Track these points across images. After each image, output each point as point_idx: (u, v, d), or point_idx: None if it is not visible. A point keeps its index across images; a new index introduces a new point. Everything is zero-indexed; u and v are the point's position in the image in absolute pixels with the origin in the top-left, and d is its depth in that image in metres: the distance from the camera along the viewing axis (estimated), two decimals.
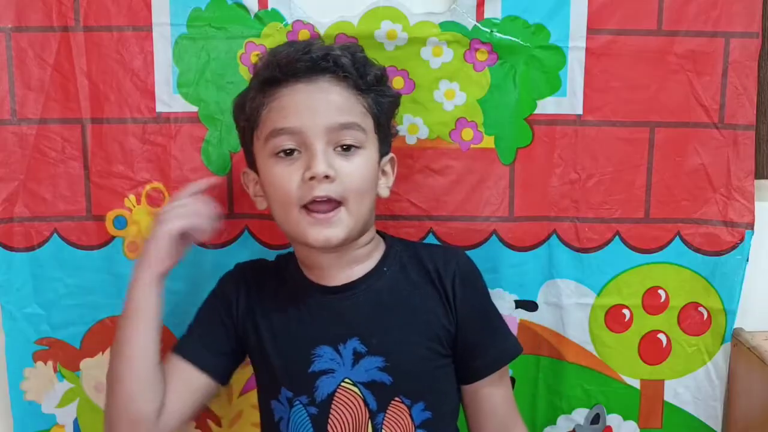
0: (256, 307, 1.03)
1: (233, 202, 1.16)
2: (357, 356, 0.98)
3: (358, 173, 0.96)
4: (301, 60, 0.95)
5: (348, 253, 1.00)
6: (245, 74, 1.13)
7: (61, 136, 1.14)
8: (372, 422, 0.98)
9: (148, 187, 1.16)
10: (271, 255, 1.15)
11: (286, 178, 0.95)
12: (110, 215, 1.16)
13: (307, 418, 0.99)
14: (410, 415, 0.99)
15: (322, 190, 0.94)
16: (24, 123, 1.14)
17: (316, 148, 0.94)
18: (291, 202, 0.95)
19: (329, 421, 0.98)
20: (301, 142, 0.95)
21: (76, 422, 1.21)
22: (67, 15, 1.12)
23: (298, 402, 0.99)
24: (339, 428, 0.98)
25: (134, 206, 1.16)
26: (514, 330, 1.18)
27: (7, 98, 1.13)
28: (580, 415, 1.22)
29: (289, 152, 0.95)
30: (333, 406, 0.98)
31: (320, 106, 0.95)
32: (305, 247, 0.99)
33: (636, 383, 1.21)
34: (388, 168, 1.04)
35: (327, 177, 0.93)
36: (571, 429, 1.23)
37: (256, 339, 1.02)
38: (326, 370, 0.99)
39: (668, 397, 1.22)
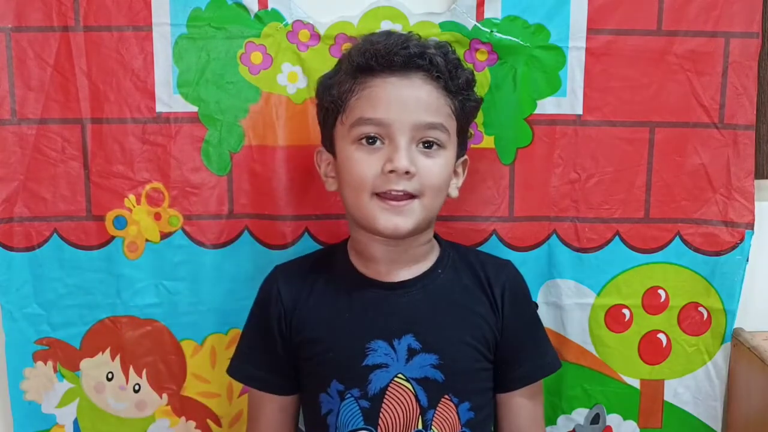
0: (303, 303, 1.04)
1: (233, 202, 1.16)
2: (411, 352, 0.99)
3: (437, 172, 0.97)
4: (398, 54, 0.96)
5: (408, 249, 1.01)
6: (245, 74, 1.13)
7: (61, 136, 1.14)
8: (422, 418, 0.99)
9: (148, 187, 1.16)
10: (271, 255, 1.16)
11: (365, 166, 0.96)
12: (110, 215, 1.16)
13: (359, 411, 0.99)
14: (457, 414, 1.00)
15: (400, 185, 0.95)
16: (24, 123, 1.14)
17: (400, 143, 0.95)
18: (365, 189, 0.96)
19: (381, 415, 0.99)
20: (386, 134, 0.96)
21: (76, 422, 1.21)
22: (67, 15, 1.12)
23: (349, 395, 0.99)
24: (390, 422, 0.99)
25: (134, 206, 1.16)
26: None
27: (7, 98, 1.13)
28: (580, 415, 1.22)
29: (371, 141, 0.96)
30: (385, 400, 0.99)
31: (410, 102, 0.96)
32: (368, 237, 1.00)
33: (636, 383, 1.21)
34: (460, 169, 1.05)
35: (407, 173, 0.94)
36: (571, 429, 1.23)
37: (306, 334, 1.03)
38: (380, 365, 0.99)
39: (668, 397, 1.22)
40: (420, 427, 0.99)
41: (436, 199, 0.99)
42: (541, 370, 1.08)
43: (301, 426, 1.11)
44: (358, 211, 0.98)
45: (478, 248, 1.16)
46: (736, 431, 1.21)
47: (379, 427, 0.99)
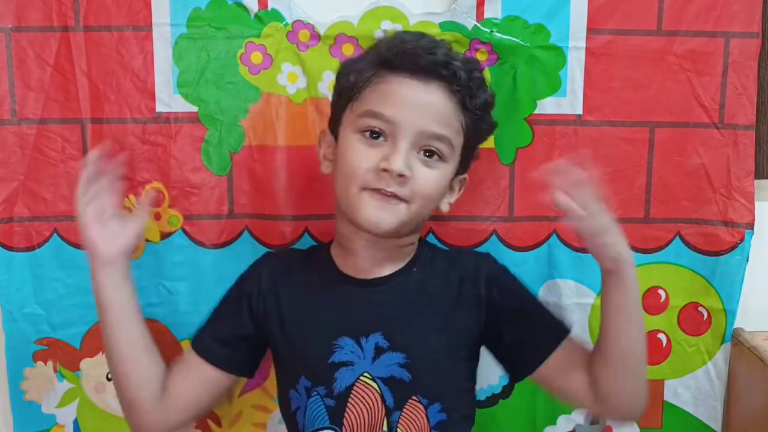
0: (281, 291, 1.03)
1: (233, 202, 1.16)
2: (378, 351, 0.98)
3: (432, 183, 0.96)
4: (423, 57, 0.95)
5: (387, 248, 1.00)
6: (245, 74, 1.14)
7: (61, 136, 1.14)
8: (388, 419, 0.98)
9: (148, 187, 1.16)
10: None
11: (362, 158, 0.95)
12: None
13: (324, 409, 0.98)
14: (426, 416, 0.98)
15: (391, 187, 0.94)
16: (24, 123, 1.14)
17: (401, 144, 0.94)
18: (356, 180, 0.95)
19: (345, 414, 0.98)
20: (391, 132, 0.95)
21: (76, 422, 1.21)
22: (67, 15, 1.12)
23: (315, 393, 0.99)
24: (354, 422, 0.98)
25: (134, 206, 1.16)
26: None
27: (7, 98, 1.13)
28: (580, 415, 1.22)
29: (375, 136, 0.96)
30: (350, 399, 0.98)
31: (422, 108, 0.95)
32: (352, 229, 0.99)
33: None
34: (456, 186, 1.04)
35: (401, 176, 0.93)
36: (571, 429, 1.23)
37: (279, 324, 1.02)
38: (346, 362, 0.98)
39: (668, 397, 1.22)
40: (385, 428, 0.98)
41: (424, 208, 0.97)
42: (552, 342, 1.00)
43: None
44: (346, 199, 0.97)
45: (478, 248, 1.16)
46: (736, 431, 1.21)
47: (343, 427, 0.98)
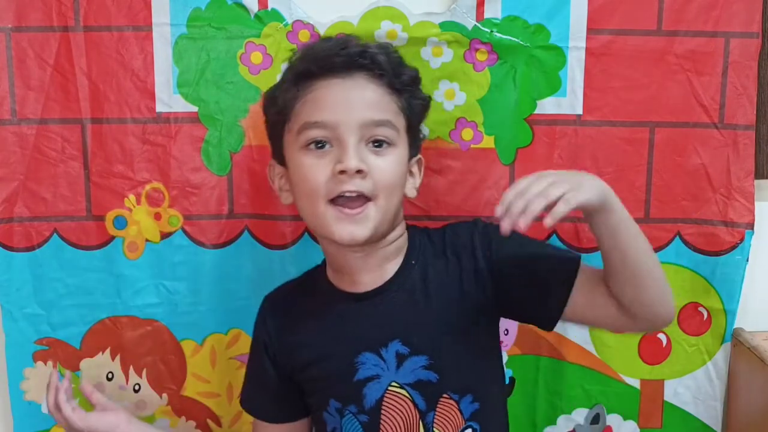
0: (288, 331, 1.03)
1: (233, 202, 1.16)
2: (400, 358, 0.98)
3: (390, 169, 0.96)
4: (338, 55, 0.95)
5: (377, 251, 0.99)
6: (245, 74, 1.14)
7: (61, 136, 1.14)
8: (423, 422, 0.98)
9: (148, 187, 1.16)
10: (271, 255, 1.16)
11: (315, 171, 0.94)
12: (110, 215, 1.16)
13: (359, 425, 0.99)
14: (459, 410, 0.98)
15: (353, 185, 0.93)
16: (24, 123, 1.14)
17: (348, 142, 0.93)
18: (319, 195, 0.94)
19: (381, 427, 0.98)
20: (334, 136, 0.94)
21: None
22: (67, 15, 1.12)
23: (348, 412, 0.99)
24: None
25: (134, 206, 1.16)
26: (514, 331, 1.19)
27: (7, 98, 1.13)
28: (580, 415, 1.22)
29: (320, 145, 0.95)
30: (383, 411, 0.98)
31: (355, 101, 0.95)
32: (334, 247, 0.99)
33: (636, 383, 1.21)
34: (415, 169, 1.03)
35: (359, 172, 0.93)
36: (571, 429, 1.23)
37: (298, 360, 1.02)
38: (372, 377, 0.98)
39: (668, 397, 1.22)
40: (422, 430, 0.98)
41: (391, 199, 0.96)
42: (570, 272, 0.96)
43: None
44: (315, 220, 0.96)
45: None
46: (736, 431, 1.21)
47: None
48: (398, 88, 0.98)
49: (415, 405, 0.98)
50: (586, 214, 0.88)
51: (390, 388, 0.98)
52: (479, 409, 0.99)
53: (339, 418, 0.99)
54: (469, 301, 0.99)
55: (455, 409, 0.99)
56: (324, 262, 1.05)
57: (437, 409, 0.98)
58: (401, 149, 0.98)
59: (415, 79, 1.01)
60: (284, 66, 1.10)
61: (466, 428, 0.99)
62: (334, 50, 0.96)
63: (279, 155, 1.01)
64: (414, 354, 0.98)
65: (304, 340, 1.02)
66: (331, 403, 1.00)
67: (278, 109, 0.98)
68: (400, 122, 0.98)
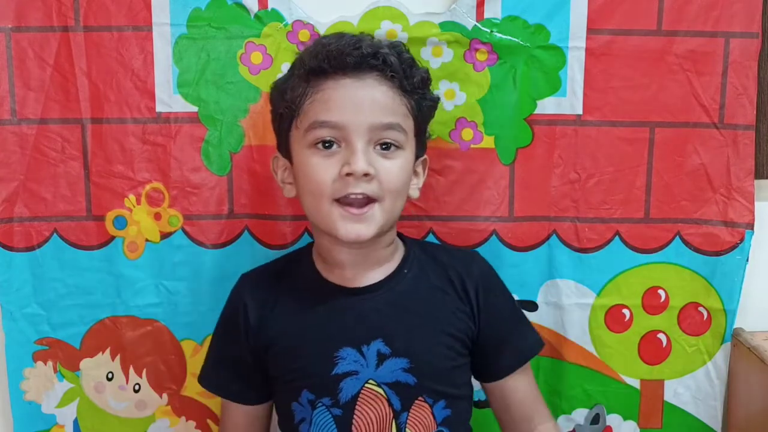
0: (269, 314, 1.02)
1: (233, 202, 1.16)
2: (381, 357, 0.98)
3: (396, 173, 0.96)
4: (350, 54, 0.94)
5: (372, 253, 1.00)
6: (245, 74, 1.14)
7: (61, 136, 1.14)
8: (396, 421, 0.98)
9: (148, 187, 1.16)
10: (271, 255, 1.16)
11: (322, 171, 0.94)
12: (110, 215, 1.16)
13: (331, 419, 0.98)
14: (432, 414, 0.99)
15: (359, 188, 0.93)
16: (24, 123, 1.14)
17: (357, 145, 0.93)
18: (324, 194, 0.94)
19: (353, 421, 0.98)
20: (343, 137, 0.94)
21: (76, 422, 1.21)
22: (67, 15, 1.12)
23: (320, 404, 0.98)
24: (363, 428, 0.98)
25: (134, 206, 1.16)
26: None
27: (7, 98, 1.13)
28: (580, 415, 1.22)
29: (328, 145, 0.95)
30: (357, 406, 0.98)
31: (365, 103, 0.95)
32: (331, 242, 0.99)
33: (636, 383, 1.21)
34: (420, 169, 1.04)
35: (366, 175, 0.93)
36: (571, 429, 1.23)
37: (274, 345, 1.02)
38: (350, 372, 0.98)
39: (668, 397, 1.22)
40: (394, 430, 0.98)
41: (397, 201, 0.97)
42: (525, 353, 1.06)
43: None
44: (319, 217, 0.96)
45: (478, 248, 1.16)
46: (736, 431, 1.21)
47: None
48: (409, 90, 0.97)
49: (390, 404, 0.98)
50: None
51: (367, 385, 0.98)
52: (450, 416, 1.00)
53: (310, 409, 0.99)
54: (458, 320, 1.01)
55: (428, 413, 0.99)
56: (309, 248, 1.05)
57: (411, 410, 0.98)
58: (408, 152, 0.98)
59: (426, 81, 1.01)
60: (285, 66, 1.11)
61: None
62: (347, 49, 0.95)
63: (284, 149, 1.01)
64: (395, 355, 0.98)
65: (286, 326, 1.01)
66: (304, 394, 0.99)
67: (287, 104, 0.98)
68: (409, 125, 0.98)
